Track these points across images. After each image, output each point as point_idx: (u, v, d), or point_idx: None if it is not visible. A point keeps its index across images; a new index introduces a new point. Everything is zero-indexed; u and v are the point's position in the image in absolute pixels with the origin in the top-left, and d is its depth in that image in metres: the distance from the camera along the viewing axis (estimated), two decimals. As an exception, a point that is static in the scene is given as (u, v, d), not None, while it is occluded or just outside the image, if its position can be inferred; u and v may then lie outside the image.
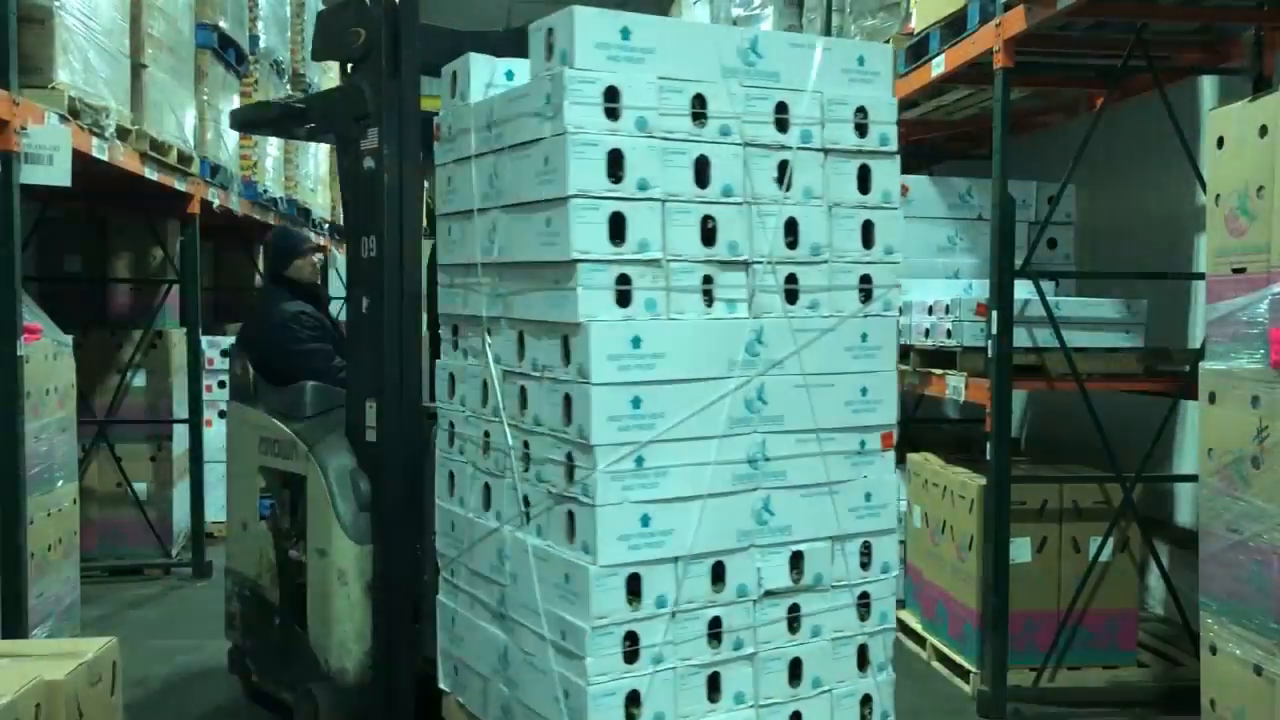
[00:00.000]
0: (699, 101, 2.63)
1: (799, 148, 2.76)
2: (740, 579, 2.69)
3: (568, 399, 2.58)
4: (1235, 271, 3.01)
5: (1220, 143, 3.11)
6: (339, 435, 3.74)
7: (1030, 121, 6.20)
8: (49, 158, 3.85)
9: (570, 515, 2.60)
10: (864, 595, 2.91)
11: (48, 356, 4.20)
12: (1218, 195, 3.09)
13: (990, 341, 4.31)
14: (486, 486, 3.00)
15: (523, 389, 2.78)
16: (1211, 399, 3.09)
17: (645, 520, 2.54)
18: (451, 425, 3.20)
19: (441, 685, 3.29)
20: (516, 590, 2.81)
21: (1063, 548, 4.54)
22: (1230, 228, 3.03)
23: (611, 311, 2.53)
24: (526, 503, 2.78)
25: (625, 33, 2.54)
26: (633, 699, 2.55)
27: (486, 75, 3.02)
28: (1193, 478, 4.18)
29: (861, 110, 2.86)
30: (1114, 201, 5.89)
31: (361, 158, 3.60)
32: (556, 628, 2.61)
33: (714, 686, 2.67)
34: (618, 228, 2.53)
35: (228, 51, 6.51)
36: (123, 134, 4.71)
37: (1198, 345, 4.32)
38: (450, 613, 3.22)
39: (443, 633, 3.28)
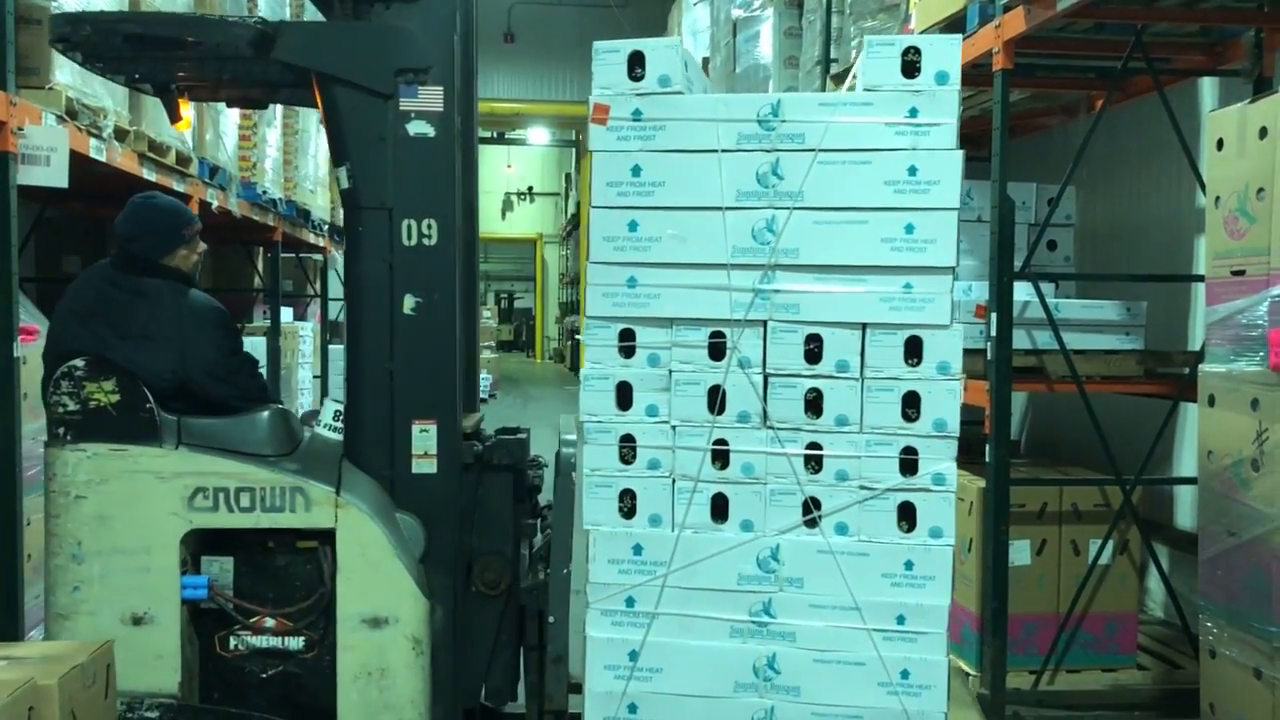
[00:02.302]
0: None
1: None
2: None
3: (913, 396, 2.76)
4: (1235, 274, 3.01)
5: (1220, 144, 3.10)
6: (354, 471, 3.08)
7: (1030, 123, 6.20)
8: (46, 158, 3.84)
9: (908, 506, 2.78)
10: None
11: (45, 358, 4.18)
12: (1217, 197, 3.09)
13: (990, 343, 4.30)
14: (721, 497, 2.94)
15: (813, 391, 2.85)
16: (1211, 402, 3.09)
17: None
18: (630, 439, 3.00)
19: None
20: (800, 593, 2.87)
21: (1062, 550, 4.53)
22: (1230, 230, 3.03)
23: (950, 316, 2.78)
24: (816, 504, 2.85)
25: (955, 62, 2.81)
26: None
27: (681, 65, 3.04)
28: (1192, 480, 4.18)
29: None
30: (1114, 203, 5.89)
31: (403, 119, 3.03)
32: (888, 615, 2.79)
33: None
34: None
35: (227, 52, 6.50)
36: (120, 135, 4.70)
37: (1197, 348, 4.31)
38: (625, 646, 3.00)
39: (605, 672, 3.02)
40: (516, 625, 3.27)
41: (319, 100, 3.14)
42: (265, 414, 3.12)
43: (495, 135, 20.86)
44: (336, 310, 13.26)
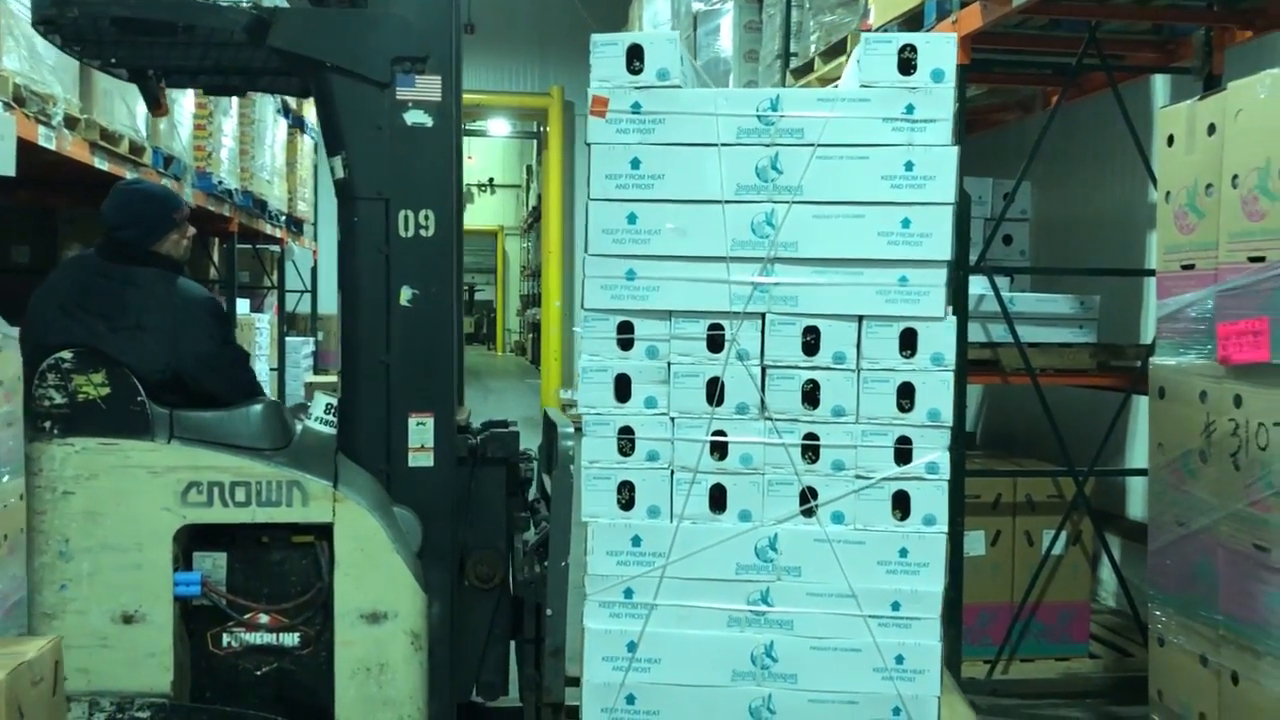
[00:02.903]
0: None
1: None
2: None
3: (908, 387, 2.81)
4: (1185, 268, 3.05)
5: (1170, 141, 3.14)
6: (350, 465, 3.03)
7: (987, 118, 6.25)
8: (-7, 146, 3.77)
9: (903, 495, 2.83)
10: None
11: (-7, 349, 4.11)
12: (1168, 193, 3.13)
13: (946, 336, 4.33)
14: (719, 488, 2.97)
15: (810, 382, 2.89)
16: (1161, 394, 3.13)
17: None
18: (629, 432, 3.02)
19: None
20: (798, 581, 2.92)
21: (1016, 541, 4.59)
22: (1180, 225, 3.07)
23: (944, 308, 2.84)
24: (813, 494, 2.89)
25: (951, 60, 2.86)
26: None
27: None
28: (1143, 472, 4.24)
29: None
30: (1068, 198, 5.96)
31: (401, 109, 2.99)
32: (883, 602, 2.85)
33: None
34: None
35: (181, 40, 6.41)
36: (71, 123, 4.62)
37: (1149, 341, 4.37)
38: (623, 638, 3.03)
39: (603, 664, 3.02)
40: (510, 618, 3.27)
41: (313, 88, 3.08)
42: (259, 407, 3.06)
43: (456, 126, 20.78)
44: (294, 302, 13.13)
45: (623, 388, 2.99)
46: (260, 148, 8.57)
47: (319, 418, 3.16)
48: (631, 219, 2.97)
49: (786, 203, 2.84)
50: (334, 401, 3.14)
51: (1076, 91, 5.12)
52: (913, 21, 4.62)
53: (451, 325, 3.08)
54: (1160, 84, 5.25)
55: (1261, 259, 2.74)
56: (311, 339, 12.46)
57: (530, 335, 24.99)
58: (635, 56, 2.93)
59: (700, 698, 2.97)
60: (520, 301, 30.97)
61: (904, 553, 2.84)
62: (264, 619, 3.00)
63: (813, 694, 2.89)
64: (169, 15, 3.03)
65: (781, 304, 2.86)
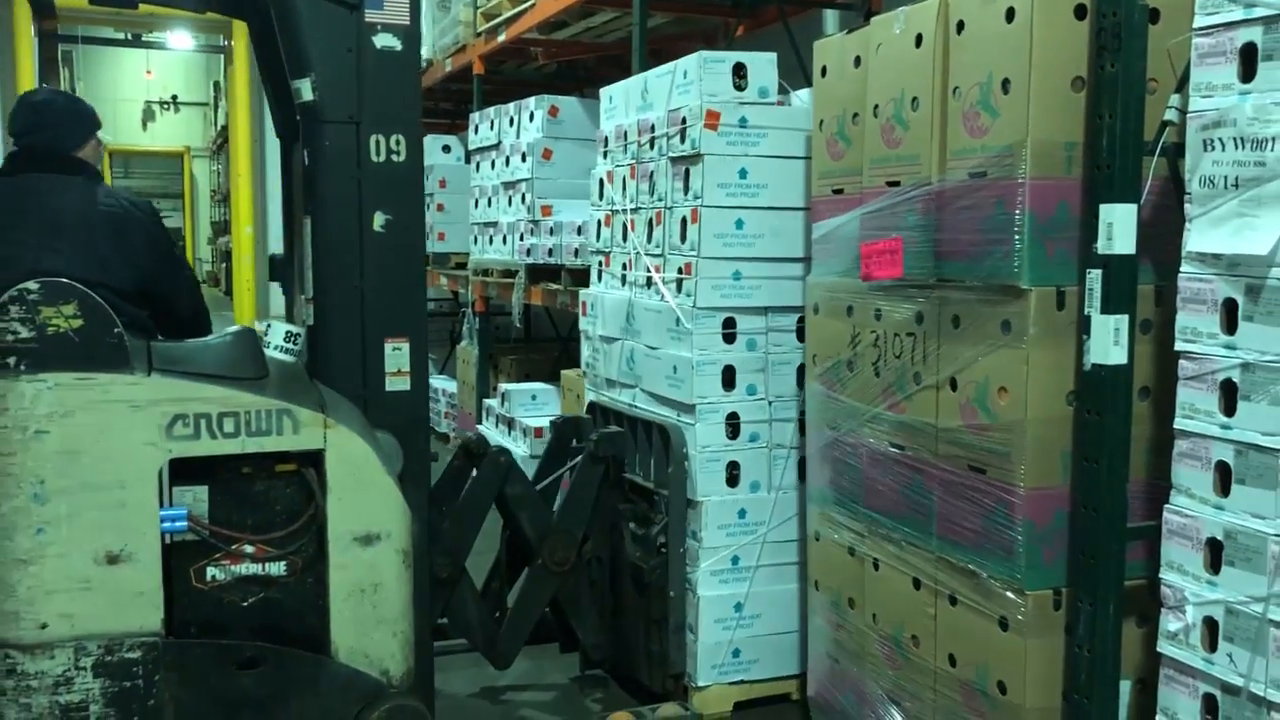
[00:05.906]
0: None
1: None
2: None
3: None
4: (835, 192, 3.28)
5: (824, 72, 3.35)
6: (329, 391, 3.00)
7: (674, 47, 6.42)
8: None
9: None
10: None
11: None
12: (821, 121, 3.34)
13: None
14: (804, 460, 3.43)
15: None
16: (816, 310, 3.37)
17: None
18: (734, 417, 3.48)
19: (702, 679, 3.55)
20: None
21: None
22: (831, 152, 3.29)
23: None
24: None
25: None
26: None
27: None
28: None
29: None
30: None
31: (370, 31, 2.97)
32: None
33: None
34: None
35: None
36: None
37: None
38: (731, 600, 3.51)
39: (714, 625, 3.49)
40: (607, 594, 3.76)
41: (275, 8, 2.95)
42: (234, 336, 2.97)
43: (130, 37, 19.08)
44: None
45: (728, 378, 3.45)
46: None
47: (279, 346, 3.05)
48: (739, 224, 3.39)
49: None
50: (294, 329, 3.05)
51: (754, 23, 5.35)
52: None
53: (423, 250, 3.13)
54: (831, 18, 5.57)
55: (897, 183, 2.99)
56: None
57: (223, 265, 23.62)
58: (738, 73, 3.35)
59: (790, 643, 3.54)
60: (211, 229, 29.13)
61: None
62: (250, 549, 2.93)
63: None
64: None
65: None
